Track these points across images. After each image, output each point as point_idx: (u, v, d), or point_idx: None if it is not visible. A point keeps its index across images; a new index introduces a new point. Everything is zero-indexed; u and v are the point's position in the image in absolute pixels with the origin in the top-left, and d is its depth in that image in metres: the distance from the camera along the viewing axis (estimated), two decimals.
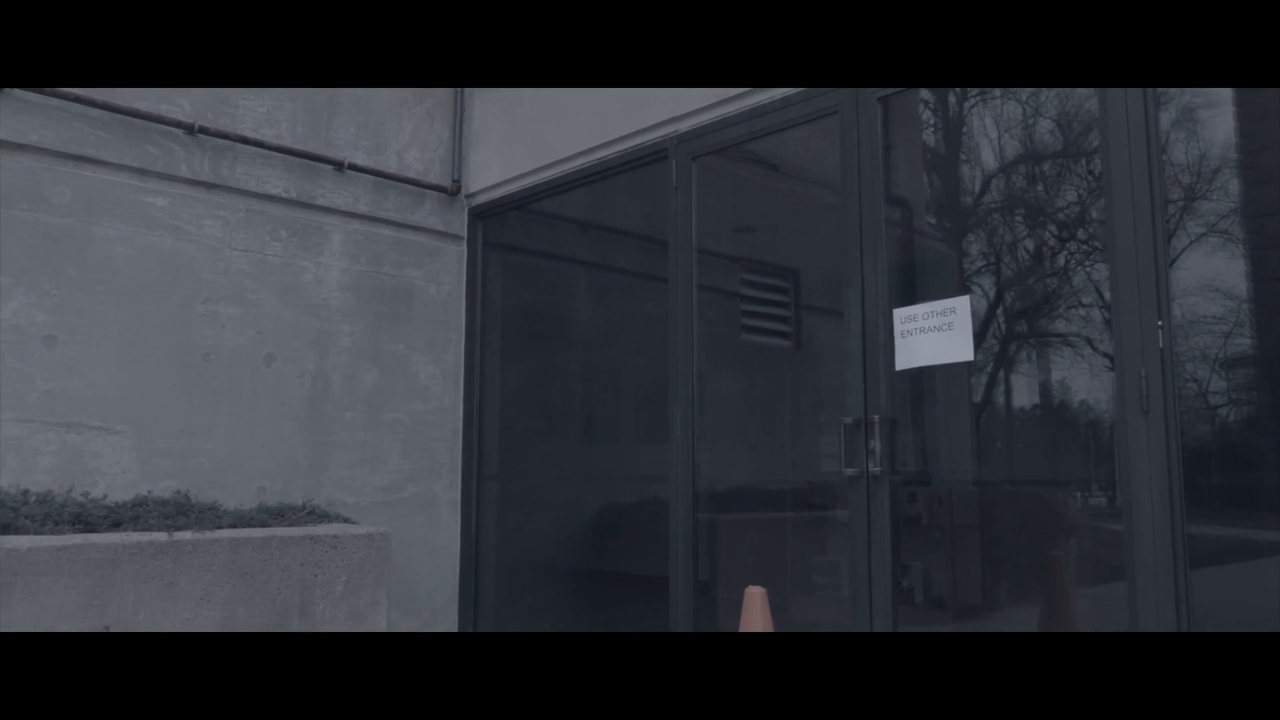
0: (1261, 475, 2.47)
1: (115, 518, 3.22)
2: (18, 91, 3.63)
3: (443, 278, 4.94)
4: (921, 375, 3.15)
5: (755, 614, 2.47)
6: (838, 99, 3.39)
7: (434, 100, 4.98)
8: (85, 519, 3.16)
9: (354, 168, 4.54)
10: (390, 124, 4.78)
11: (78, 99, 3.74)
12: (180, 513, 3.41)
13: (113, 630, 2.94)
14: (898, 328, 3.15)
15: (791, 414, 3.63)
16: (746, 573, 3.64)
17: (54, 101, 3.73)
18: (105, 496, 3.58)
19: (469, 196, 5.05)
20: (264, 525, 3.50)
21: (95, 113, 3.83)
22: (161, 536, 3.08)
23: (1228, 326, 2.60)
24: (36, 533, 2.94)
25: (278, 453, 4.24)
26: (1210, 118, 2.69)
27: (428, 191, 4.89)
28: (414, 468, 4.73)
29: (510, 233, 4.99)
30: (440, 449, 4.85)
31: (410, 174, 4.83)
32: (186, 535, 3.12)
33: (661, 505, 4.05)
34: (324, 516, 3.83)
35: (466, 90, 5.07)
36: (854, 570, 3.18)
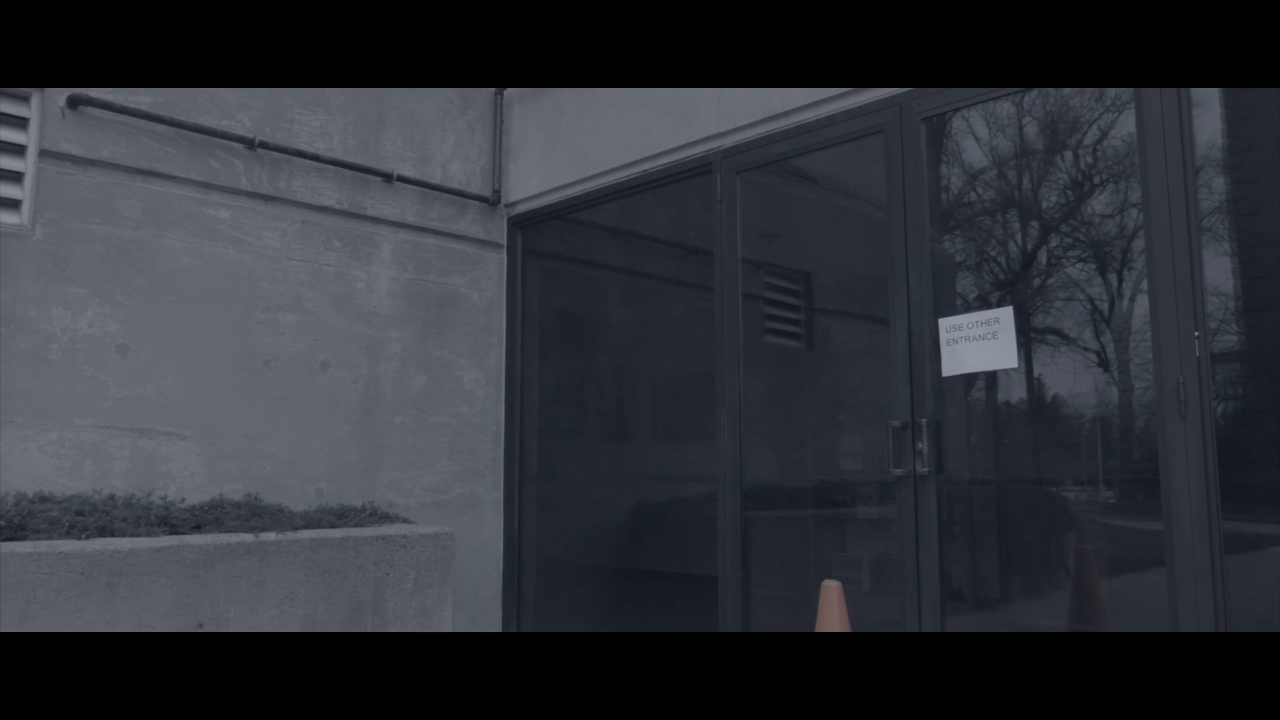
0: (1256, 473, 2.66)
1: (196, 520, 3.37)
2: (91, 109, 3.77)
3: (484, 285, 5.10)
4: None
5: (832, 607, 2.65)
6: (882, 119, 3.58)
7: (475, 113, 5.14)
8: (170, 521, 3.31)
9: (402, 179, 4.70)
10: (434, 136, 4.94)
11: (145, 115, 3.88)
12: (255, 514, 3.56)
13: (205, 627, 3.10)
14: (943, 336, 3.34)
15: (826, 414, 3.82)
16: (792, 569, 3.82)
17: (123, 118, 3.87)
18: (183, 500, 3.73)
19: (508, 206, 5.21)
20: (331, 526, 3.66)
21: (161, 128, 3.97)
22: (248, 538, 3.23)
23: (1215, 323, 2.80)
24: (133, 535, 3.09)
25: (333, 456, 4.40)
26: (1197, 117, 2.87)
27: (470, 201, 5.05)
28: (460, 469, 4.89)
29: (547, 240, 5.16)
30: (484, 451, 5.02)
31: (454, 184, 4.98)
32: (271, 536, 3.28)
33: (692, 503, 4.23)
34: (385, 517, 3.99)
35: (505, 102, 5.23)
36: (903, 567, 3.37)
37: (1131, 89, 3.00)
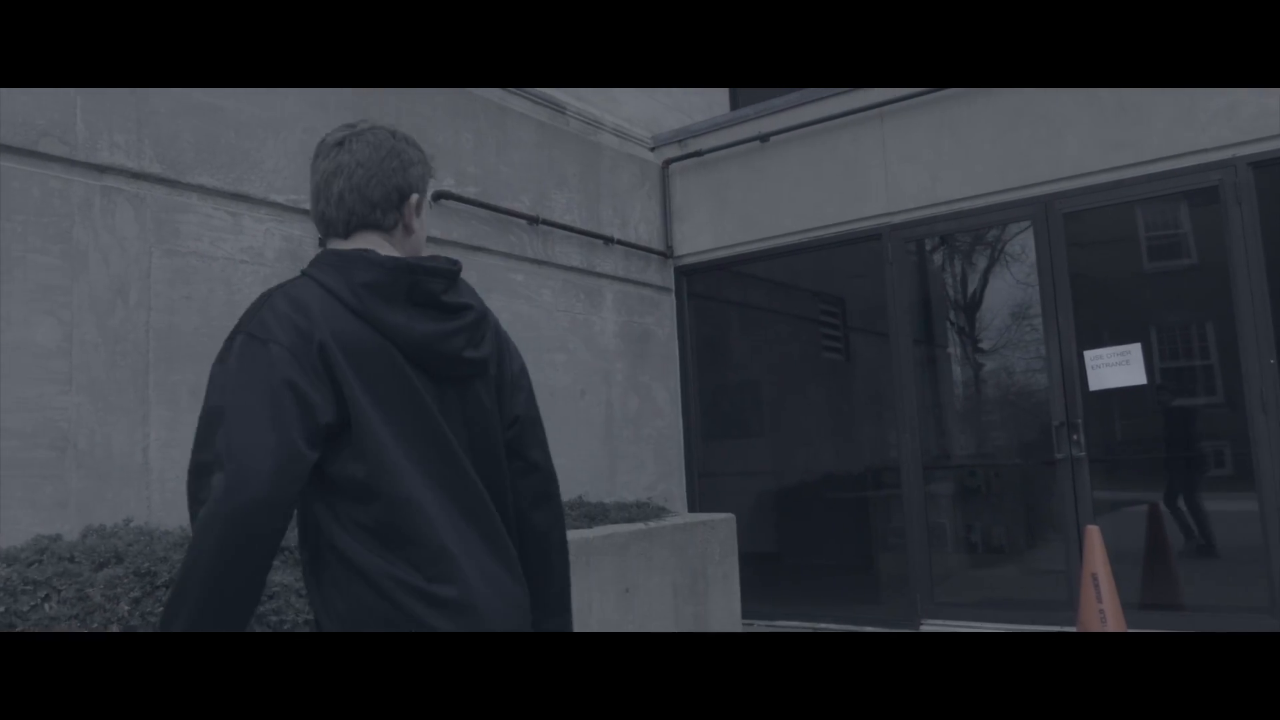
0: None
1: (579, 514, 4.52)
2: (449, 203, 4.81)
3: (664, 322, 6.35)
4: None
5: (1095, 547, 4.11)
6: (1031, 210, 5.13)
7: (650, 183, 6.37)
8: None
9: (616, 241, 5.89)
10: (629, 204, 6.14)
11: (474, 203, 4.94)
12: (604, 511, 4.73)
13: (630, 592, 4.27)
14: (1088, 363, 4.93)
15: (977, 412, 5.36)
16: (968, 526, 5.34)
17: (462, 207, 4.91)
18: None
19: (675, 258, 6.47)
20: (645, 519, 4.86)
21: (482, 212, 5.04)
22: (642, 526, 4.43)
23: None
24: (582, 528, 4.23)
25: (590, 464, 5.57)
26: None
27: (653, 256, 6.29)
28: (660, 470, 6.13)
29: (698, 284, 6.47)
30: (672, 455, 6.27)
31: (643, 243, 6.21)
32: (654, 524, 4.48)
33: (818, 489, 5.71)
34: (662, 510, 5.21)
35: (669, 174, 6.48)
36: (1063, 518, 4.93)
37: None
